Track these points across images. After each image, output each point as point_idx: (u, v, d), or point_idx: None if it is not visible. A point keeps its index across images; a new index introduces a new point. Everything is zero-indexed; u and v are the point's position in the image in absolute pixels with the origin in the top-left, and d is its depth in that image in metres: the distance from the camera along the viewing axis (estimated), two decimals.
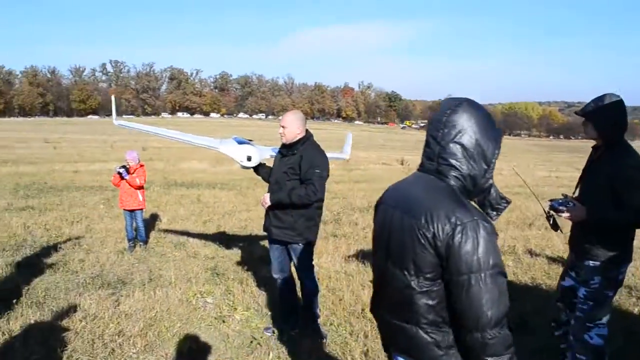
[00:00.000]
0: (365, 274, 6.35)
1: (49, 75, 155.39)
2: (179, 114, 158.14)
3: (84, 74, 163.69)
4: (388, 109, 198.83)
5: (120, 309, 4.83)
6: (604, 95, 3.30)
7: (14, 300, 5.06)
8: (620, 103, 3.29)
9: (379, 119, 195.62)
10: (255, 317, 4.81)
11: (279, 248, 4.49)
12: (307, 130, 4.29)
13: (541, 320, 4.28)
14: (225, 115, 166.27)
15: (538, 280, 6.47)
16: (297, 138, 4.22)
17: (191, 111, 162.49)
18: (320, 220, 4.46)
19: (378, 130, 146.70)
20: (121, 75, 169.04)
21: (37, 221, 9.12)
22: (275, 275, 4.63)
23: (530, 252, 7.98)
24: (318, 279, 5.94)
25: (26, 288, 5.46)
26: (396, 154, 46.33)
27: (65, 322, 4.43)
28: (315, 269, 6.37)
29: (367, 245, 8.38)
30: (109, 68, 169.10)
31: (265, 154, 4.56)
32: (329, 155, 4.40)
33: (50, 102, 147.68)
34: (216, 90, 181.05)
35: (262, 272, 6.33)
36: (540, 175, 28.31)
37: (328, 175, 4.25)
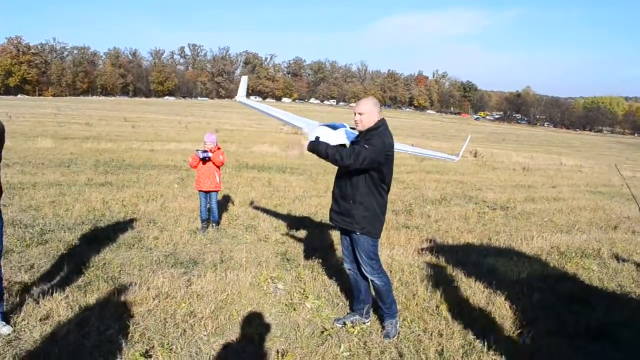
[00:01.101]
0: (439, 268, 6.09)
1: (130, 57, 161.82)
2: (252, 97, 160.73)
3: (163, 56, 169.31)
4: (462, 99, 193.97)
5: (192, 289, 4.83)
6: None
7: (91, 274, 5.18)
8: None
9: (452, 109, 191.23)
10: (326, 307, 4.68)
11: (346, 237, 4.36)
12: (382, 119, 4.11)
13: (630, 332, 3.90)
14: (296, 100, 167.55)
15: (626, 288, 5.99)
16: (372, 125, 4.04)
17: (263, 95, 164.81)
18: (383, 215, 4.23)
19: (451, 120, 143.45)
20: (198, 58, 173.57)
21: (114, 197, 9.39)
22: (345, 265, 4.49)
23: (617, 257, 7.43)
24: (390, 272, 5.76)
25: (102, 262, 5.59)
26: (469, 145, 45.12)
27: (139, 299, 4.46)
28: (388, 261, 6.22)
29: (441, 238, 8.09)
30: (187, 51, 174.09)
31: (344, 140, 4.33)
32: (438, 154, 4.14)
33: (130, 82, 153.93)
34: (289, 76, 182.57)
35: (333, 260, 6.20)
36: (623, 174, 26.64)
37: (385, 161, 3.99)
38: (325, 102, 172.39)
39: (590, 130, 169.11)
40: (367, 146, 3.88)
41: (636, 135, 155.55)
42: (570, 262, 6.86)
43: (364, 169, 3.94)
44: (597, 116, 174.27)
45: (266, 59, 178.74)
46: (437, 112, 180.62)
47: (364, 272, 4.25)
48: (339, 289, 5.14)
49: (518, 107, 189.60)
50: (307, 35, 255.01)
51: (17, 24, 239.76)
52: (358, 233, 4.12)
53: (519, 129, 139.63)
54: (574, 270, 6.55)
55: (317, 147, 3.94)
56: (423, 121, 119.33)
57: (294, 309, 4.55)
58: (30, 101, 73.45)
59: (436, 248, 7.13)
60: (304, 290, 4.98)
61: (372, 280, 4.26)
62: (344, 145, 4.13)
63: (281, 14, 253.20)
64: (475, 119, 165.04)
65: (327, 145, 3.93)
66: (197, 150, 7.49)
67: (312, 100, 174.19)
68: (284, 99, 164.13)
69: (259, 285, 5.07)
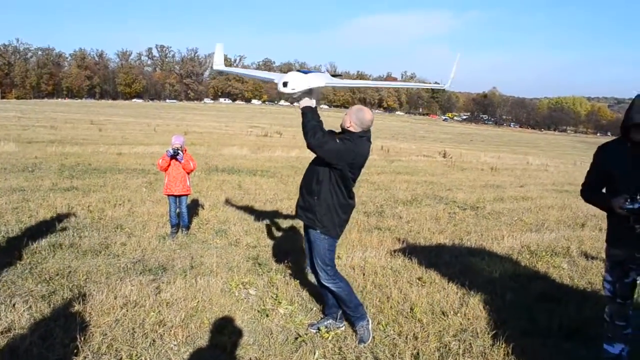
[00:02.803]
0: (412, 270, 6.08)
1: (96, 59, 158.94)
2: (221, 99, 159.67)
3: (131, 57, 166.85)
4: (430, 100, 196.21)
5: (161, 297, 4.69)
6: None
7: (56, 283, 5.00)
8: None
9: (420, 110, 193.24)
10: (299, 312, 4.60)
11: (306, 234, 4.32)
12: (364, 131, 4.09)
13: (599, 329, 3.93)
14: (266, 102, 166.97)
15: (596, 285, 6.07)
16: (348, 128, 4.05)
17: (233, 97, 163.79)
18: (346, 218, 4.22)
19: (419, 121, 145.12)
20: (166, 60, 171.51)
21: (80, 202, 9.14)
22: (309, 269, 4.46)
23: (586, 255, 7.56)
24: (364, 274, 5.73)
25: (68, 271, 5.40)
26: (437, 146, 45.59)
27: (106, 309, 4.31)
28: (361, 263, 6.18)
29: (413, 239, 8.09)
30: (155, 52, 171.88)
31: (319, 81, 4.22)
32: (425, 85, 5.22)
33: (97, 84, 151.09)
34: None
35: (306, 264, 6.14)
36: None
37: (349, 167, 3.99)
38: (295, 103, 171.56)
39: (555, 130, 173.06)
40: (338, 141, 3.92)
41: (599, 134, 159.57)
42: (540, 261, 6.94)
43: (325, 161, 3.96)
44: (561, 116, 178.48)
45: (235, 60, 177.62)
46: (406, 113, 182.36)
47: (320, 279, 4.21)
48: (312, 294, 5.07)
49: (485, 108, 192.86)
50: (277, 37, 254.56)
51: None
52: (318, 230, 4.07)
53: (486, 129, 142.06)
54: (544, 269, 6.63)
55: (307, 112, 3.95)
56: (392, 122, 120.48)
57: (267, 315, 4.46)
58: None
59: (409, 249, 7.11)
60: (277, 296, 4.89)
61: (328, 287, 4.20)
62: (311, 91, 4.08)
63: (250, 16, 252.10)
64: (444, 120, 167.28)
65: (315, 117, 3.93)
66: (167, 150, 7.35)
67: (282, 102, 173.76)
68: (253, 101, 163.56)
69: (230, 291, 4.96)
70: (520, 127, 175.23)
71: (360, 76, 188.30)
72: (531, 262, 6.90)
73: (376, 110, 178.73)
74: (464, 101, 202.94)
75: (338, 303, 4.31)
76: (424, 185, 15.95)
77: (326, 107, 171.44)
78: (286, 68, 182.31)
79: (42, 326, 3.92)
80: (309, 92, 4.07)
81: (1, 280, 5.01)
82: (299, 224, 8.56)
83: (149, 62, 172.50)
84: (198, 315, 4.32)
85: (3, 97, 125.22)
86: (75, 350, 3.63)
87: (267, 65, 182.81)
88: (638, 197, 3.31)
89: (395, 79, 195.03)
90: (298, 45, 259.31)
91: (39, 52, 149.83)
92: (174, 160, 7.31)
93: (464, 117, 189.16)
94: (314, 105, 4.02)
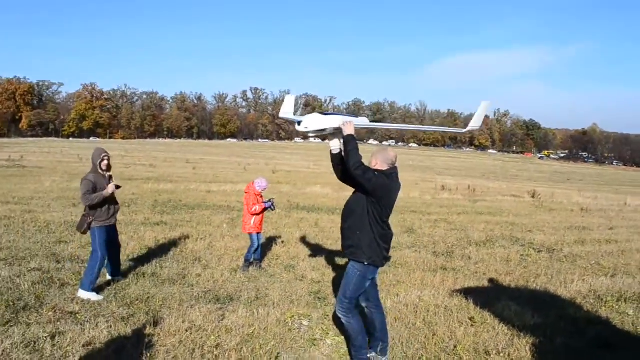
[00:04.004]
0: (466, 310, 6.20)
1: (195, 101, 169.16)
2: (311, 139, 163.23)
3: (227, 100, 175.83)
4: (525, 137, 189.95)
5: (223, 323, 5.19)
6: None
7: (135, 307, 5.66)
8: None
9: (514, 148, 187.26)
10: (345, 344, 4.92)
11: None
12: (392, 168, 4.51)
13: None
14: None
15: None
16: (377, 168, 4.49)
17: (323, 137, 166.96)
18: (387, 247, 4.58)
19: (513, 160, 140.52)
20: (260, 101, 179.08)
21: (167, 236, 10.00)
22: (361, 303, 4.77)
23: None
24: (416, 312, 5.94)
25: (147, 297, 6.07)
26: (529, 186, 44.06)
27: (173, 330, 4.86)
28: (415, 301, 6.39)
29: (477, 280, 8.14)
30: (249, 95, 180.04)
31: (333, 123, 4.72)
32: (445, 128, 4.40)
33: (195, 125, 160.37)
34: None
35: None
36: None
37: (377, 191, 4.33)
38: (384, 142, 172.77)
39: None
40: (377, 174, 4.36)
41: None
42: (605, 306, 6.79)
43: (363, 196, 4.39)
44: None
45: (326, 101, 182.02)
46: (498, 151, 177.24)
47: (335, 309, 4.55)
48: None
49: (585, 146, 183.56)
50: (366, 77, 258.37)
51: (92, 72, 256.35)
52: (365, 262, 4.41)
53: (585, 168, 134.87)
54: (607, 314, 6.49)
55: (350, 140, 4.38)
56: (483, 161, 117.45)
57: (314, 345, 4.82)
58: (101, 144, 77.56)
59: (469, 290, 7.21)
60: (327, 327, 5.25)
61: (340, 317, 4.51)
62: (338, 130, 4.54)
63: (341, 57, 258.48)
64: (539, 158, 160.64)
65: (356, 147, 4.35)
66: (266, 202, 8.09)
67: (371, 141, 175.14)
68: None
69: (285, 321, 5.38)
70: (624, 165, 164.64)
71: (451, 114, 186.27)
72: (594, 307, 6.76)
73: (467, 149, 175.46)
74: (562, 138, 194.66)
75: (382, 337, 4.60)
76: (504, 226, 15.66)
77: (415, 145, 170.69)
78: (375, 107, 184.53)
79: (118, 343, 4.54)
80: (328, 132, 4.58)
81: (90, 302, 5.74)
82: None
83: (244, 103, 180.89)
84: (252, 341, 4.76)
85: (110, 137, 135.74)
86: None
87: (356, 105, 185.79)
88: None
89: (487, 117, 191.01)
90: (388, 85, 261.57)
91: (144, 96, 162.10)
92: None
93: (562, 155, 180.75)
94: (353, 132, 4.45)
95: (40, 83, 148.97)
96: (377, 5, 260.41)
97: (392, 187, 4.47)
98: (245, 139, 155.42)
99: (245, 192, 8.32)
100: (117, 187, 6.74)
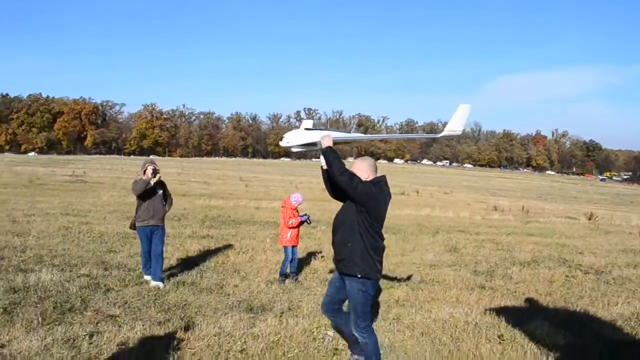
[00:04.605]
0: (497, 328, 6.16)
1: (250, 121, 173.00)
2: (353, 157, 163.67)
3: (281, 120, 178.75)
4: (585, 158, 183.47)
5: (251, 331, 5.40)
6: None
7: (172, 313, 5.95)
8: None
9: (574, 170, 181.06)
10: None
11: (337, 282, 4.75)
12: (379, 176, 4.61)
13: None
14: (409, 161, 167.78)
15: None
16: (368, 178, 4.55)
17: (376, 156, 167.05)
18: (380, 260, 4.58)
19: (572, 181, 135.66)
20: (313, 121, 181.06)
21: (210, 248, 10.38)
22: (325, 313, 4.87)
23: None
24: (444, 328, 5.96)
25: (184, 304, 6.37)
26: (588, 208, 42.51)
27: (202, 335, 5.10)
28: (446, 317, 6.40)
29: (514, 300, 8.03)
30: (303, 115, 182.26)
31: (314, 137, 4.85)
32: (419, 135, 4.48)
33: (250, 144, 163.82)
34: None
35: (393, 313, 6.51)
36: None
37: (364, 199, 4.35)
38: (438, 163, 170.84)
39: None
40: (362, 181, 4.41)
41: None
42: None
43: (353, 207, 4.42)
44: None
45: (379, 121, 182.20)
46: (557, 172, 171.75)
47: (352, 327, 4.53)
48: (387, 340, 5.45)
49: None
50: (420, 97, 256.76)
51: (153, 92, 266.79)
52: (358, 275, 4.40)
53: None
54: None
55: (328, 152, 4.48)
56: (540, 182, 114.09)
57: (336, 354, 4.95)
58: (159, 161, 79.72)
59: (503, 309, 7.14)
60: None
61: (358, 337, 4.51)
62: (312, 144, 4.68)
63: (393, 77, 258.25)
64: (601, 180, 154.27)
65: (336, 157, 4.44)
66: (302, 215, 8.37)
67: (425, 161, 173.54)
68: (396, 160, 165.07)
69: (310, 331, 5.53)
70: None
71: (506, 135, 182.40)
72: (634, 330, 6.57)
73: (524, 170, 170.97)
74: (624, 159, 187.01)
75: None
76: (553, 247, 15.24)
77: (470, 166, 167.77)
78: (428, 128, 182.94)
79: (149, 344, 4.83)
80: (309, 146, 4.74)
81: (130, 306, 6.09)
82: (401, 277, 8.94)
83: (297, 123, 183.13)
84: (277, 348, 4.94)
85: (169, 155, 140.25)
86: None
87: (409, 126, 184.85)
88: None
89: (545, 137, 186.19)
90: (442, 105, 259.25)
91: (201, 116, 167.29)
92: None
93: (625, 176, 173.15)
94: (332, 144, 4.55)
95: (104, 103, 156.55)
96: (433, 24, 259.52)
97: (380, 196, 4.45)
98: (299, 158, 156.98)
99: (282, 207, 8.61)
100: (156, 171, 7.71)
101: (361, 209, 4.38)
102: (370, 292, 4.54)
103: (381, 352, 4.96)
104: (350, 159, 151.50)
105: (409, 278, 8.95)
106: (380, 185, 4.50)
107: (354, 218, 4.42)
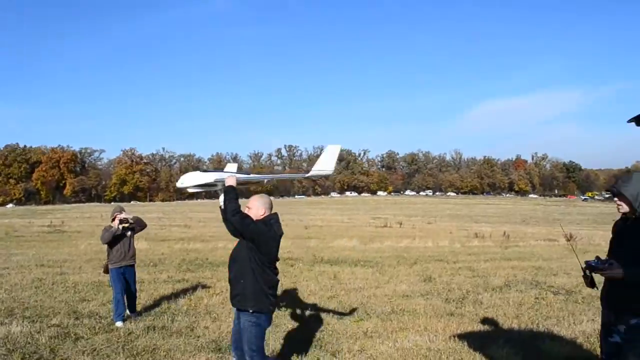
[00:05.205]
0: (459, 353, 6.34)
1: (231, 161, 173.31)
2: (347, 193, 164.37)
3: (262, 158, 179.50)
4: (566, 180, 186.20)
5: None
6: (632, 174, 4.00)
7: (140, 358, 6.04)
8: None
9: (556, 192, 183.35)
10: None
11: (238, 320, 4.92)
12: (271, 214, 4.91)
13: None
14: (392, 193, 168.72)
15: None
16: (263, 215, 4.86)
17: (359, 190, 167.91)
18: (273, 293, 4.83)
19: (554, 203, 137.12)
20: (294, 158, 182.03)
21: (185, 292, 10.44)
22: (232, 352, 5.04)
23: None
24: (405, 357, 6.12)
25: (153, 348, 6.46)
26: (570, 229, 42.99)
27: None
28: (408, 345, 6.57)
29: (481, 325, 8.22)
30: (284, 152, 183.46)
31: (208, 179, 5.14)
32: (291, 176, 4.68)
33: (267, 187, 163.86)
34: (383, 169, 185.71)
35: (360, 344, 6.66)
36: None
37: (255, 238, 4.64)
38: (421, 193, 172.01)
39: None
40: (253, 221, 4.71)
41: None
42: None
43: (246, 245, 4.70)
44: None
45: (360, 154, 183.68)
46: (539, 195, 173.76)
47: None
48: None
49: None
50: (400, 128, 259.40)
51: (132, 137, 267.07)
52: (250, 311, 4.64)
53: None
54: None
55: (229, 191, 4.81)
56: (523, 206, 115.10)
57: None
58: (140, 207, 79.92)
59: (469, 334, 7.33)
60: None
61: None
62: (208, 185, 4.96)
63: (373, 108, 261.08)
64: (583, 200, 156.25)
65: (234, 197, 4.76)
66: None
67: (408, 192, 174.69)
68: (379, 192, 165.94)
69: None
70: None
71: (487, 161, 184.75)
72: (593, 346, 6.78)
73: (507, 195, 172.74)
74: (605, 179, 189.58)
75: None
76: (529, 270, 15.50)
77: (453, 194, 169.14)
78: (409, 158, 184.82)
79: None
80: (205, 187, 5.09)
81: (99, 354, 6.19)
82: (374, 310, 9.08)
83: (279, 161, 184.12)
84: None
85: (151, 200, 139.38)
86: None
87: (390, 157, 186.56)
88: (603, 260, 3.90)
89: (525, 161, 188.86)
90: (422, 135, 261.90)
91: (182, 159, 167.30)
92: None
93: (607, 195, 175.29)
94: (234, 184, 4.87)
95: (83, 150, 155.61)
96: (407, 53, 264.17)
97: (270, 234, 4.72)
98: (282, 195, 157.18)
99: None
100: (123, 222, 8.27)
101: (252, 247, 4.65)
102: (264, 325, 4.75)
103: None
104: (333, 194, 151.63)
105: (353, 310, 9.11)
106: (270, 223, 4.78)
107: (246, 255, 4.70)
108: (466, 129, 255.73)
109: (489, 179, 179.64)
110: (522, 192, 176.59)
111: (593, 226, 55.94)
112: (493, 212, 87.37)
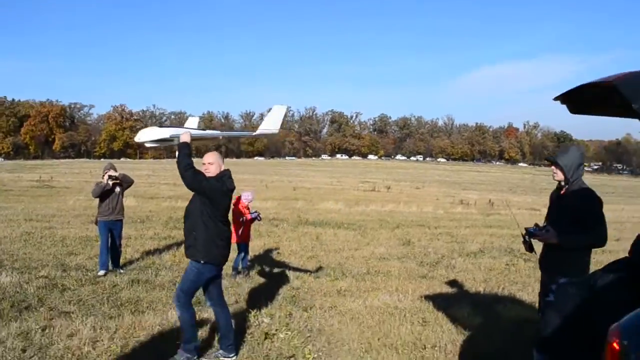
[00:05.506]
0: (423, 312, 6.76)
1: (222, 120, 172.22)
2: (338, 155, 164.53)
3: (254, 118, 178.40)
4: (557, 149, 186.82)
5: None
6: (569, 146, 4.55)
7: (124, 309, 6.43)
8: (582, 152, 4.36)
9: (545, 161, 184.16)
10: (295, 337, 5.57)
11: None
12: (226, 170, 5.11)
13: None
14: (382, 157, 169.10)
15: None
16: (218, 173, 5.04)
17: (350, 153, 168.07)
18: (224, 245, 5.09)
19: (544, 172, 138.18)
20: (286, 119, 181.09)
21: (169, 248, 10.80)
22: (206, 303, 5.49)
23: None
24: (373, 313, 6.55)
25: (136, 299, 6.85)
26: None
27: (147, 325, 5.63)
28: (377, 304, 7.00)
29: (449, 287, 8.66)
30: None
31: (164, 134, 5.27)
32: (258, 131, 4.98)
33: (222, 144, 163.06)
34: (375, 133, 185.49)
35: (332, 302, 7.08)
36: None
37: (207, 192, 4.88)
38: (412, 158, 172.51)
39: None
40: (206, 177, 4.93)
41: None
42: None
43: (198, 199, 4.96)
44: None
45: (352, 117, 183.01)
46: (529, 164, 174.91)
47: (173, 298, 5.09)
48: (318, 324, 6.02)
49: (619, 157, 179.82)
50: (392, 91, 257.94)
51: (122, 93, 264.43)
52: (201, 262, 4.92)
53: (620, 180, 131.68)
54: None
55: (181, 147, 5.03)
56: (512, 174, 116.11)
57: (268, 338, 5.50)
58: (130, 164, 79.73)
59: (436, 295, 7.76)
60: (284, 323, 5.93)
61: (176, 308, 5.02)
62: (165, 140, 5.13)
63: (366, 71, 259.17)
64: None
65: (187, 153, 4.98)
66: (253, 213, 8.89)
67: (399, 156, 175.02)
68: (370, 156, 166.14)
69: (247, 317, 6.09)
70: None
71: (479, 128, 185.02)
72: None
73: (497, 162, 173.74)
74: (595, 150, 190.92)
75: (227, 334, 5.10)
76: (506, 238, 15.96)
77: (444, 160, 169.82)
78: (402, 123, 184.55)
79: (97, 334, 5.34)
80: (162, 142, 5.25)
81: (85, 304, 6.56)
82: (350, 270, 9.51)
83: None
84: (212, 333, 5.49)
85: (141, 157, 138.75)
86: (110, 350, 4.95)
87: (382, 121, 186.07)
88: (541, 226, 4.32)
89: (516, 130, 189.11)
90: (415, 99, 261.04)
91: (172, 116, 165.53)
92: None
93: (595, 167, 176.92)
94: (189, 140, 5.06)
95: (72, 105, 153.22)
96: (402, 17, 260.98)
97: (223, 189, 4.94)
98: (272, 156, 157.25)
99: (234, 205, 9.09)
100: (112, 178, 8.75)
101: (205, 201, 4.89)
102: (207, 274, 5.01)
103: (308, 335, 5.54)
104: (324, 156, 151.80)
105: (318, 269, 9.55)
106: (222, 179, 4.97)
107: (199, 209, 4.95)
108: (459, 95, 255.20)
109: (479, 146, 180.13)
110: (512, 161, 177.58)
111: None
112: (482, 179, 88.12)
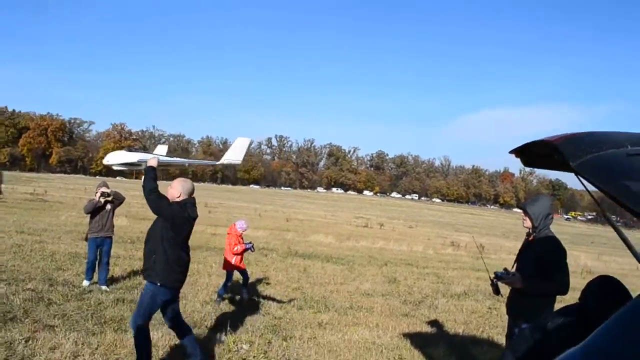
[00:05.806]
0: (400, 349, 6.90)
1: (220, 146, 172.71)
2: (334, 189, 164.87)
3: (252, 146, 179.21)
4: (551, 197, 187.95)
5: (174, 342, 6.03)
6: (539, 196, 4.82)
7: (107, 327, 6.54)
8: (549, 202, 4.61)
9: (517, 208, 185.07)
10: None
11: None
12: (188, 198, 5.25)
13: None
14: (378, 194, 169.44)
15: None
16: (178, 198, 5.20)
17: (345, 187, 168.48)
18: (181, 271, 5.25)
19: None
20: (284, 149, 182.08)
21: None
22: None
23: None
24: (349, 349, 6.68)
25: (120, 318, 6.98)
26: None
27: (128, 344, 5.75)
28: (355, 338, 7.13)
29: (430, 327, 8.78)
30: (274, 142, 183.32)
31: (132, 158, 5.48)
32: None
33: (219, 170, 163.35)
34: (371, 169, 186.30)
35: (312, 333, 7.21)
36: None
37: (169, 217, 5.02)
38: (407, 196, 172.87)
39: None
40: (169, 202, 5.11)
41: None
42: None
43: (159, 225, 5.11)
44: None
45: (349, 151, 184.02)
46: None
47: (131, 321, 5.19)
48: (295, 355, 6.14)
49: (613, 208, 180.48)
50: (391, 128, 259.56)
51: (123, 112, 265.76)
52: (158, 284, 5.04)
53: (613, 231, 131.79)
54: None
55: (148, 171, 5.20)
56: (506, 219, 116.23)
57: None
58: (127, 183, 79.58)
59: (416, 334, 7.90)
60: (263, 350, 6.05)
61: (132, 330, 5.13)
62: (132, 164, 5.31)
63: (366, 107, 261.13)
64: (566, 219, 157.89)
65: (153, 177, 5.14)
66: (247, 244, 9.02)
67: (394, 194, 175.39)
68: (365, 192, 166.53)
69: (226, 343, 6.21)
70: None
71: (475, 171, 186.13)
72: None
73: (492, 206, 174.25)
74: (589, 200, 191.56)
75: (193, 352, 5.27)
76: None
77: (439, 200, 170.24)
78: (399, 160, 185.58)
79: (79, 349, 5.45)
80: (129, 165, 5.44)
81: (69, 319, 6.68)
82: (334, 304, 9.63)
83: (268, 150, 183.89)
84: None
85: (137, 178, 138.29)
86: None
87: (380, 157, 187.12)
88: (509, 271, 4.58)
89: (512, 175, 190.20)
90: (412, 138, 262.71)
91: (171, 138, 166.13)
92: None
93: (589, 217, 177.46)
94: (155, 165, 5.22)
95: (72, 120, 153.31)
96: (407, 56, 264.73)
97: (183, 215, 5.07)
98: (268, 186, 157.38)
99: (228, 233, 9.28)
100: (104, 194, 9.04)
101: (166, 225, 5.03)
102: (162, 298, 5.12)
103: None
104: (319, 189, 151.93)
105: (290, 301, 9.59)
106: (185, 206, 5.13)
107: (160, 233, 5.09)
108: (457, 137, 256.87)
109: (475, 189, 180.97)
110: (506, 205, 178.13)
111: (569, 246, 56.01)
112: (475, 222, 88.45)
